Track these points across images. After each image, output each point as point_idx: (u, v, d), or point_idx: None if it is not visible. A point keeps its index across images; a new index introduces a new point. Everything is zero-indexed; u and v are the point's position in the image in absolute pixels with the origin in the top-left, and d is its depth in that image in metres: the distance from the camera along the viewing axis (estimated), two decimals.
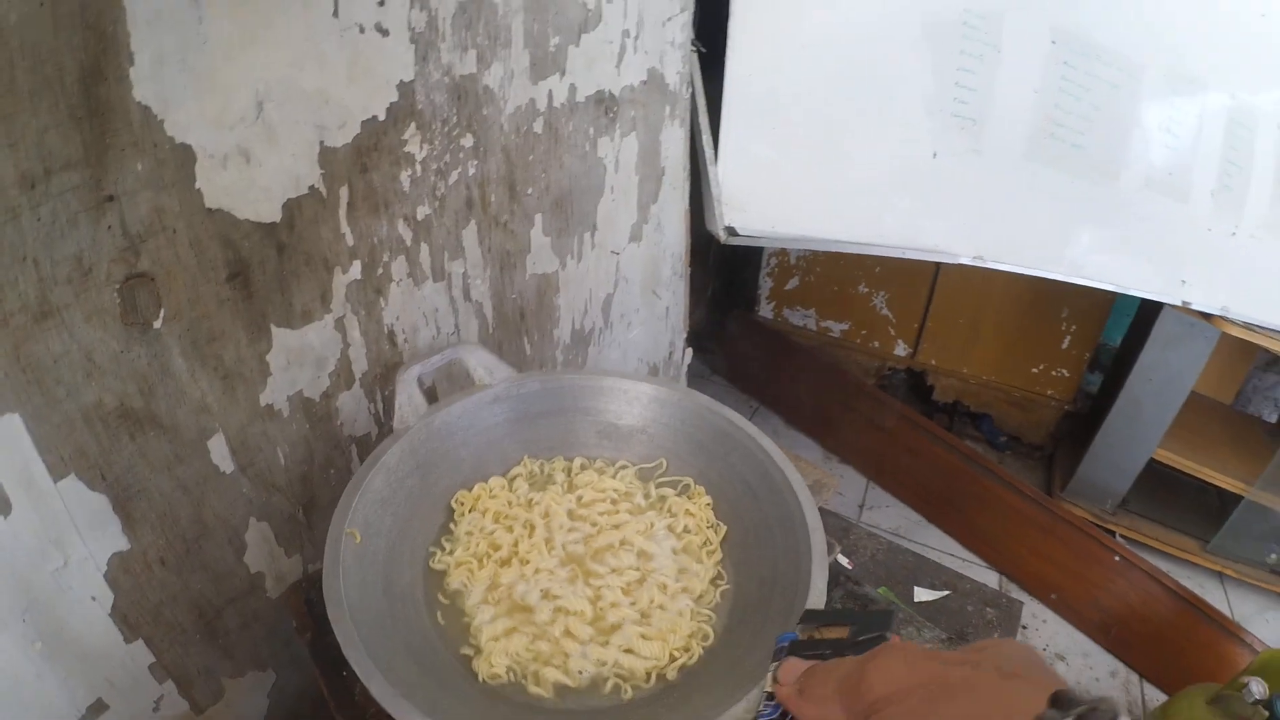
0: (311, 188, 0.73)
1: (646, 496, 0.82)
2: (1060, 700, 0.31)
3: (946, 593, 1.48)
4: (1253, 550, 1.85)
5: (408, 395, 0.77)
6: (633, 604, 0.70)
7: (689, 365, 1.43)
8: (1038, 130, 1.29)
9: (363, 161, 0.77)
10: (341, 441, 0.89)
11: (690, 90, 1.16)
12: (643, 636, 0.67)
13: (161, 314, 0.66)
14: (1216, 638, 1.56)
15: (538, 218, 1.01)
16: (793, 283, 2.20)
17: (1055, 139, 1.31)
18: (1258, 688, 1.28)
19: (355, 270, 0.81)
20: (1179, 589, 1.62)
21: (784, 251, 2.21)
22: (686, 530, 0.78)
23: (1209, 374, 1.87)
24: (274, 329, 0.76)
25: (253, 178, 0.68)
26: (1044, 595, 1.79)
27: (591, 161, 1.05)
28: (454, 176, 0.87)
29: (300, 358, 0.80)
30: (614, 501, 0.81)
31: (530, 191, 0.97)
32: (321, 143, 0.72)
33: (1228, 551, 1.86)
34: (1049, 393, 2.10)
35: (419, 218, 0.86)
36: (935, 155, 1.28)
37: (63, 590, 0.67)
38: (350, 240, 0.79)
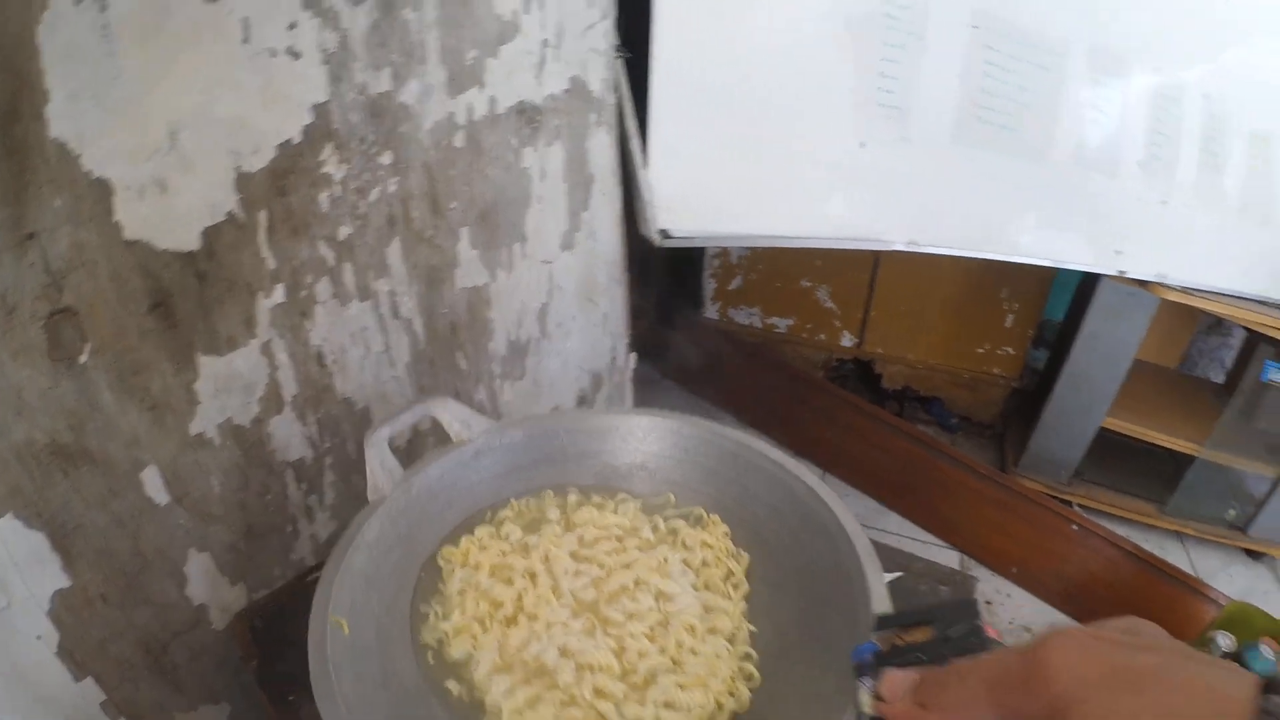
0: (230, 214, 0.78)
1: (655, 530, 0.79)
2: (1276, 686, 0.29)
3: (899, 574, 1.57)
4: (1210, 508, 2.02)
5: (380, 461, 0.75)
6: (661, 651, 0.66)
7: (635, 370, 1.49)
8: (965, 114, 1.40)
9: (280, 185, 0.82)
10: (276, 467, 0.94)
11: (617, 96, 1.23)
12: (680, 686, 0.63)
13: (87, 348, 0.70)
14: (1180, 596, 1.69)
15: (464, 231, 1.06)
16: (736, 282, 2.31)
17: (983, 122, 1.42)
18: (1225, 641, 1.40)
19: (279, 294, 0.86)
20: (1138, 551, 1.75)
21: (726, 251, 2.33)
22: (705, 564, 0.75)
23: (1152, 340, 2.03)
24: (200, 357, 0.81)
25: (170, 207, 0.73)
26: (1006, 570, 1.91)
27: (516, 172, 1.10)
28: (374, 194, 0.93)
29: (228, 385, 0.84)
30: (619, 538, 0.77)
31: (454, 205, 1.03)
32: (238, 169, 0.78)
33: (1185, 511, 2.03)
34: (996, 372, 2.26)
35: (341, 238, 0.91)
36: (863, 145, 1.38)
37: (11, 632, 0.71)
38: (272, 264, 0.84)
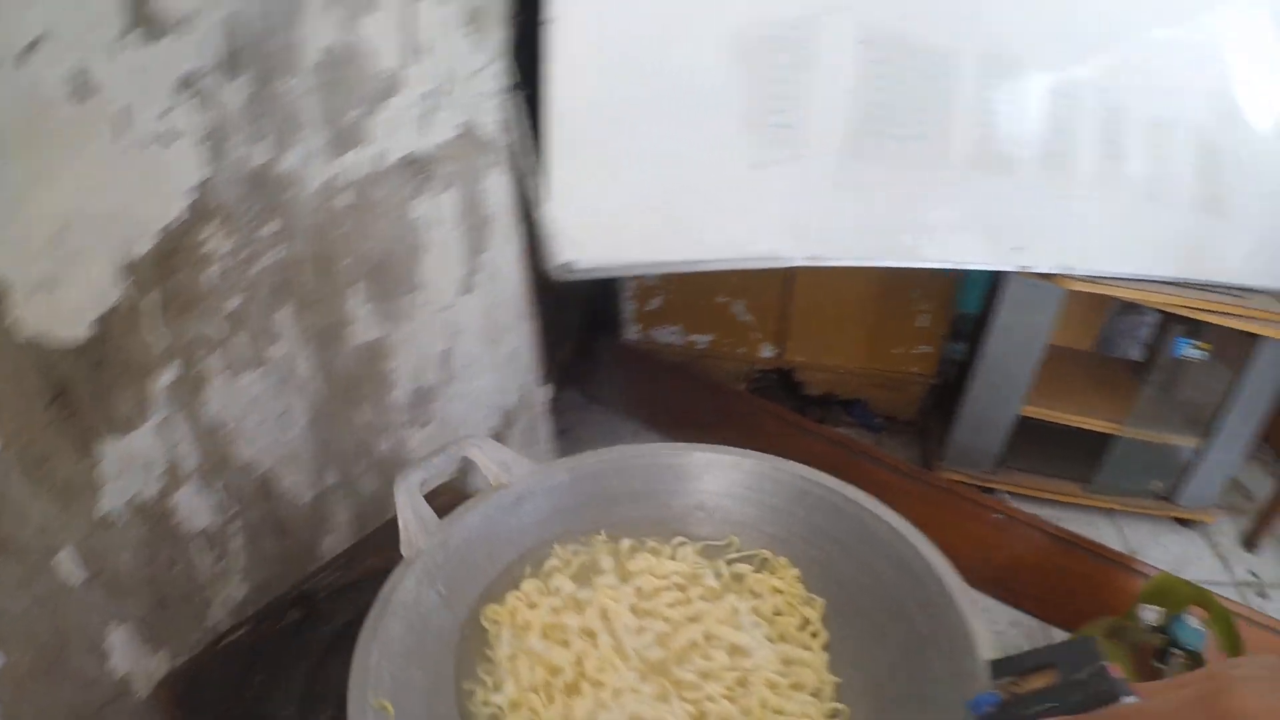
0: (119, 301, 0.83)
1: (718, 576, 0.75)
2: None
3: None
4: (1135, 482, 2.19)
5: (412, 510, 0.70)
6: (745, 714, 0.62)
7: (563, 397, 1.56)
8: (858, 128, 1.47)
9: (167, 266, 0.87)
10: (184, 537, 0.98)
11: (513, 134, 1.29)
12: None
13: None
14: (1108, 571, 1.82)
15: (356, 288, 1.12)
16: (655, 302, 2.42)
17: (876, 134, 1.49)
18: (1151, 614, 1.50)
19: (172, 371, 0.91)
20: (1060, 533, 1.88)
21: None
22: (778, 612, 0.72)
23: (1068, 324, 2.20)
24: (101, 441, 0.85)
25: (61, 302, 0.77)
26: None
27: (407, 224, 1.16)
28: (262, 263, 0.98)
29: (130, 464, 0.89)
30: (681, 588, 0.74)
31: (345, 264, 1.08)
32: (125, 256, 0.83)
33: (1111, 488, 2.19)
34: (914, 370, 2.42)
35: (230, 310, 0.96)
36: (760, 165, 1.45)
37: None
38: (164, 344, 0.89)
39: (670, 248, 1.47)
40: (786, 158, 1.45)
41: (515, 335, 1.43)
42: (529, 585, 0.72)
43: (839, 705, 0.63)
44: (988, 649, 0.55)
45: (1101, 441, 2.16)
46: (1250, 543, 2.25)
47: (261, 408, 1.04)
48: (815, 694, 0.64)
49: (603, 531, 0.78)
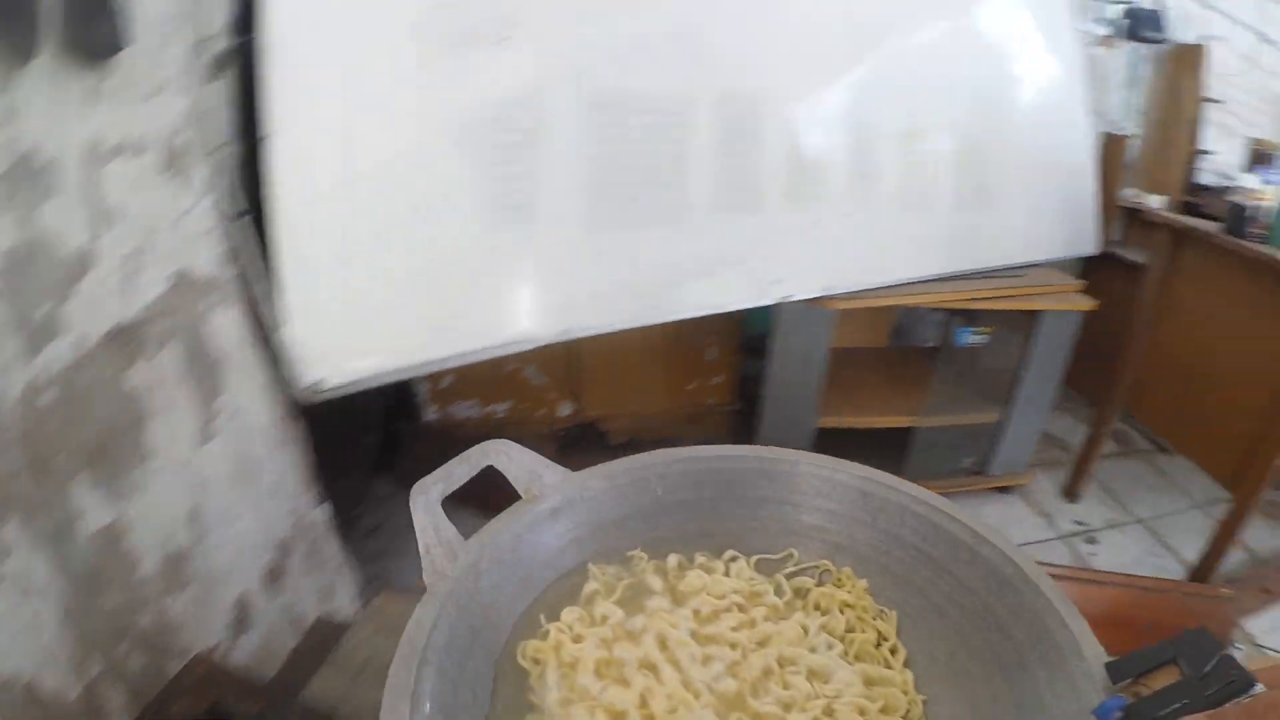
0: None
1: (779, 593, 0.70)
2: None
3: None
4: (946, 463, 2.34)
5: (435, 529, 0.63)
6: None
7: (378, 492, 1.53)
8: (595, 195, 1.51)
9: None
10: None
11: (240, 263, 1.23)
12: None
13: None
14: None
15: (79, 479, 1.04)
16: (447, 380, 2.38)
17: (615, 197, 1.53)
18: None
19: None
20: None
21: None
22: (849, 629, 0.67)
23: (856, 328, 2.40)
24: None
25: None
26: None
27: (124, 399, 1.10)
28: None
29: None
30: (741, 608, 0.68)
31: (62, 459, 1.00)
32: None
33: (923, 472, 2.26)
34: (711, 401, 2.53)
35: None
36: (500, 250, 1.47)
37: None
38: None
39: (421, 348, 1.44)
40: (526, 238, 1.49)
41: (275, 465, 1.34)
42: (570, 614, 0.65)
43: None
44: (1098, 653, 0.53)
45: (907, 432, 2.25)
46: (1071, 493, 2.43)
47: (8, 623, 1.02)
48: (904, 716, 0.60)
49: (640, 548, 0.73)
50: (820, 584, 0.71)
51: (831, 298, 1.83)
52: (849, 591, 0.70)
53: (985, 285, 1.98)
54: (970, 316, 2.23)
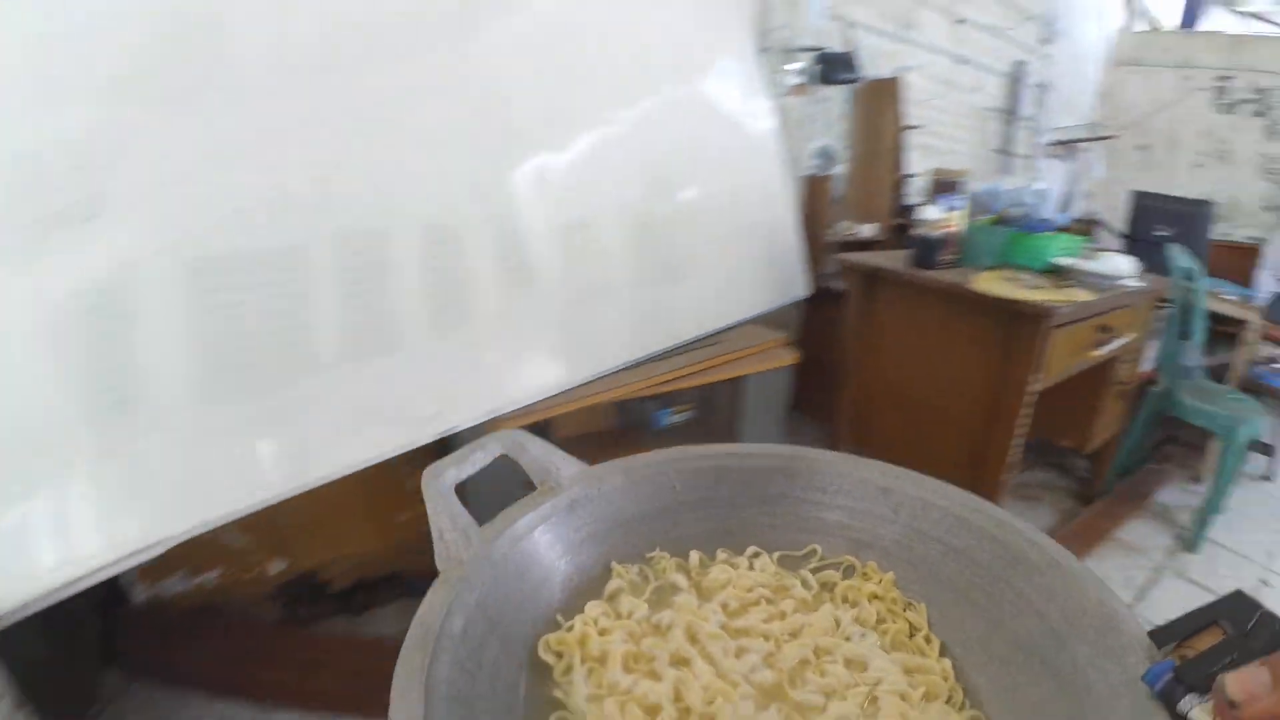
0: None
1: (806, 586, 0.69)
2: None
3: None
4: None
5: (449, 515, 0.60)
6: None
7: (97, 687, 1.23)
8: (204, 372, 1.30)
9: None
10: None
11: None
12: None
13: None
14: None
15: None
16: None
17: (227, 369, 1.33)
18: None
19: None
20: None
21: None
22: (881, 620, 0.66)
23: (570, 422, 2.14)
24: None
25: None
26: None
27: None
28: None
29: None
30: (770, 600, 0.67)
31: None
32: None
33: None
34: (426, 529, 2.33)
35: None
36: (109, 454, 1.23)
37: None
38: None
39: (43, 576, 1.17)
40: (134, 434, 1.25)
41: None
42: (594, 608, 0.63)
43: (979, 713, 0.58)
44: (1137, 624, 0.53)
45: None
46: None
47: None
48: (949, 703, 0.59)
49: (660, 547, 0.71)
50: (846, 578, 0.71)
51: (499, 419, 1.65)
52: (877, 584, 0.69)
53: (684, 360, 1.93)
54: (665, 399, 2.18)
